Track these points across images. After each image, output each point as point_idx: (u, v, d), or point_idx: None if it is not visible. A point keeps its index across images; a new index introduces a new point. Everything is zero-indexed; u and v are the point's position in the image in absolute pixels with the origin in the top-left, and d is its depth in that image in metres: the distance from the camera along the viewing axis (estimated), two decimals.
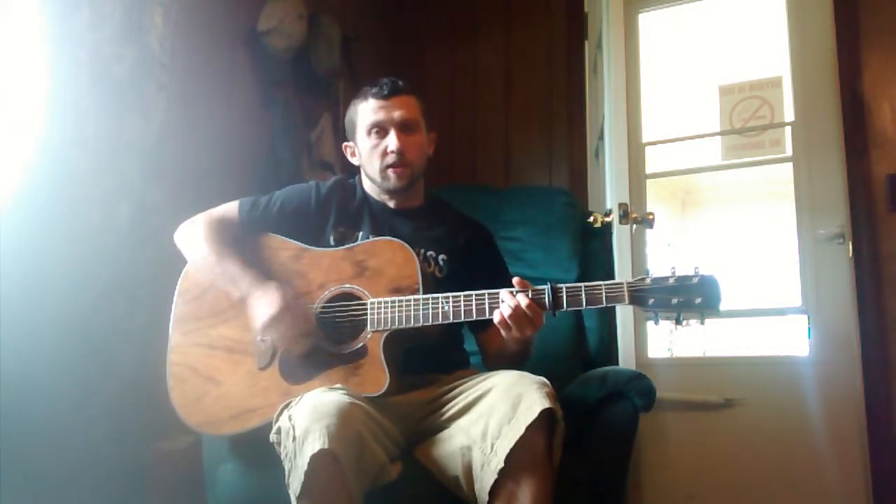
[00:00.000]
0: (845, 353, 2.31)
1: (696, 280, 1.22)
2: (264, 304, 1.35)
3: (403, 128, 1.49)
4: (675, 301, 1.22)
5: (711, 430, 2.47)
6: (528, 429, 1.16)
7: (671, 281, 1.23)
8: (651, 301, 1.23)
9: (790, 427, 2.35)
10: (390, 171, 1.50)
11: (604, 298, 1.25)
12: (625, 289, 1.24)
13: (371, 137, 1.51)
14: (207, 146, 2.04)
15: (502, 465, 1.16)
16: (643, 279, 1.24)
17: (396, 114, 1.49)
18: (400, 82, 1.54)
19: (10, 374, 1.42)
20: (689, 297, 1.21)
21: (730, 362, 2.63)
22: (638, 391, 1.44)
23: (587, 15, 2.71)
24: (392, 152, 1.48)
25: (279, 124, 2.26)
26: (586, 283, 1.26)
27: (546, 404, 1.18)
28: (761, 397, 2.43)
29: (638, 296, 1.23)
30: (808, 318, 2.45)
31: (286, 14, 2.23)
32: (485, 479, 1.18)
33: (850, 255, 2.31)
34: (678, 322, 1.24)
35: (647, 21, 2.86)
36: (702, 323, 1.24)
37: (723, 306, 1.22)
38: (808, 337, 2.47)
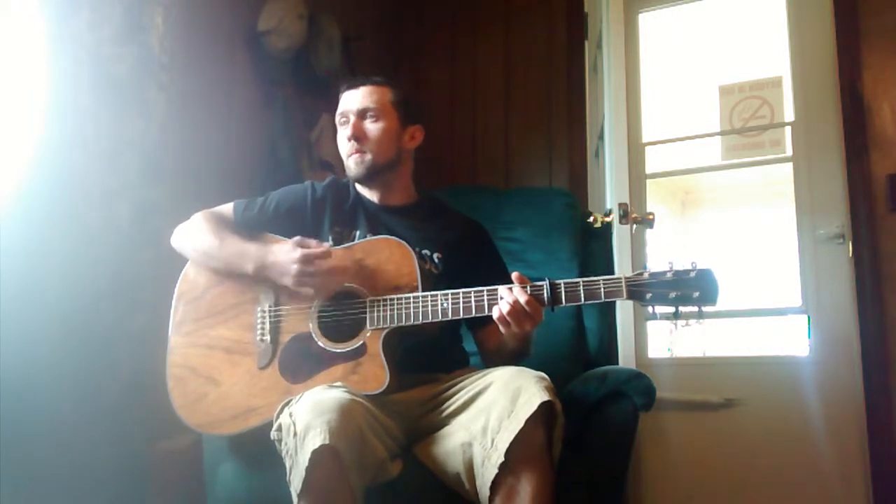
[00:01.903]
0: (845, 353, 2.31)
1: (693, 274, 1.23)
2: (284, 251, 1.36)
3: (361, 114, 1.52)
4: (672, 295, 1.22)
5: (711, 430, 2.47)
6: (527, 422, 1.16)
7: (669, 275, 1.23)
8: (649, 295, 1.23)
9: (790, 427, 2.35)
10: (350, 159, 1.52)
11: (602, 293, 1.25)
12: (623, 283, 1.24)
13: (340, 129, 1.56)
14: (207, 146, 2.05)
15: (503, 459, 1.16)
16: (641, 274, 1.25)
17: (356, 102, 1.53)
18: (374, 76, 1.58)
19: (10, 375, 1.43)
20: (687, 291, 1.22)
21: (730, 362, 2.63)
22: (638, 390, 1.44)
23: (587, 15, 2.71)
24: (348, 139, 1.51)
25: (279, 124, 2.26)
26: (584, 279, 1.27)
27: (545, 397, 1.18)
28: (761, 397, 2.43)
29: (636, 290, 1.24)
30: (808, 318, 2.45)
31: (286, 14, 2.23)
32: (486, 475, 1.18)
33: (850, 255, 2.31)
34: (676, 316, 1.25)
35: (648, 21, 2.86)
36: (699, 318, 1.25)
37: (720, 300, 1.22)
38: (808, 337, 2.47)
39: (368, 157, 1.51)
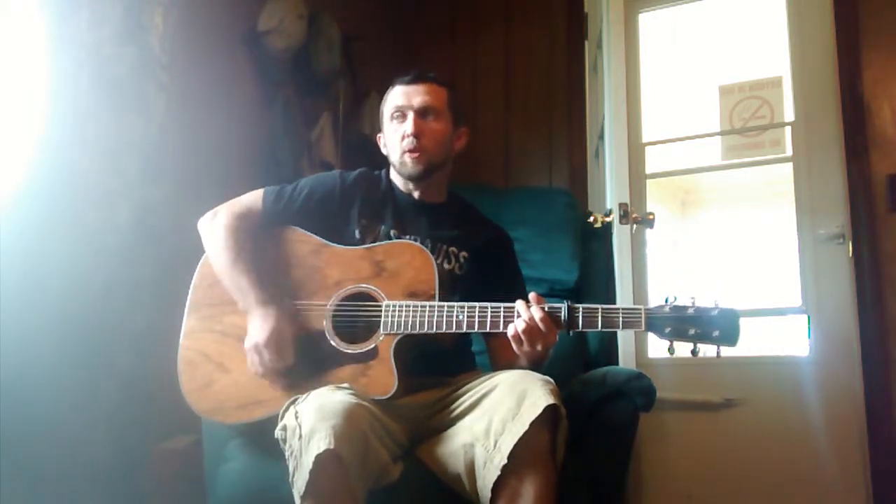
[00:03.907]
0: (845, 353, 2.30)
1: (715, 313, 1.20)
2: (257, 327, 1.35)
3: (422, 113, 1.50)
4: (692, 332, 1.20)
5: (711, 430, 2.47)
6: (532, 425, 1.16)
7: (690, 311, 1.21)
8: (668, 330, 1.21)
9: (790, 427, 2.34)
10: (407, 156, 1.49)
11: (620, 323, 1.24)
12: (642, 314, 1.23)
13: (393, 123, 1.53)
14: (207, 146, 2.04)
15: (505, 461, 1.16)
16: (662, 307, 1.23)
17: (416, 99, 1.50)
18: (430, 73, 1.56)
19: (10, 375, 1.42)
20: (707, 330, 1.19)
21: (730, 362, 2.62)
22: (638, 390, 1.43)
23: (587, 15, 2.71)
24: (407, 136, 1.48)
25: (279, 124, 2.26)
26: (604, 306, 1.25)
27: (550, 400, 1.18)
28: (761, 397, 2.42)
29: (655, 323, 1.22)
30: (808, 319, 2.44)
31: (286, 14, 2.23)
32: (487, 476, 1.18)
33: (850, 255, 2.30)
34: (694, 353, 1.22)
35: (648, 21, 2.86)
36: (717, 356, 1.21)
37: (740, 342, 1.19)
38: (808, 337, 2.46)
39: (428, 156, 1.49)
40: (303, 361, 1.36)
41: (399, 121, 1.51)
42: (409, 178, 1.53)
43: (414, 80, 1.53)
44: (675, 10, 2.89)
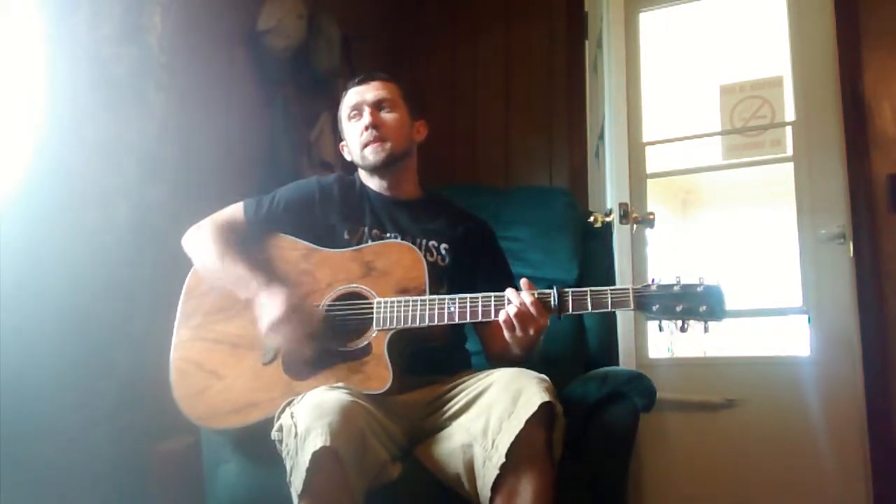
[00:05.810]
0: (846, 353, 2.30)
1: (700, 289, 1.23)
2: (270, 306, 1.35)
3: (376, 106, 1.55)
4: (679, 308, 1.23)
5: (712, 431, 2.46)
6: (527, 422, 1.16)
7: (676, 288, 1.24)
8: (656, 307, 1.24)
9: (791, 427, 2.34)
10: (368, 148, 1.53)
11: (609, 303, 1.26)
12: (630, 294, 1.25)
13: (351, 123, 1.58)
14: (206, 146, 2.04)
15: (503, 460, 1.16)
16: (649, 286, 1.25)
17: (369, 95, 1.56)
18: (377, 73, 1.62)
19: (9, 375, 1.42)
20: (694, 305, 1.22)
21: (730, 362, 2.63)
22: (638, 391, 1.43)
23: (587, 14, 2.71)
24: (366, 128, 1.53)
25: (279, 124, 2.26)
26: (592, 288, 1.27)
27: (545, 398, 1.18)
28: (762, 397, 2.42)
29: (643, 301, 1.24)
30: (809, 318, 2.44)
31: (286, 13, 2.23)
32: (486, 475, 1.18)
33: (851, 254, 2.30)
34: (683, 330, 1.25)
35: (648, 20, 2.86)
36: (705, 331, 1.25)
37: (726, 316, 1.22)
38: (808, 337, 2.46)
39: (388, 144, 1.53)
40: (297, 360, 1.36)
41: (356, 119, 1.56)
42: (374, 168, 1.55)
43: (364, 80, 1.59)
44: (676, 10, 2.89)
